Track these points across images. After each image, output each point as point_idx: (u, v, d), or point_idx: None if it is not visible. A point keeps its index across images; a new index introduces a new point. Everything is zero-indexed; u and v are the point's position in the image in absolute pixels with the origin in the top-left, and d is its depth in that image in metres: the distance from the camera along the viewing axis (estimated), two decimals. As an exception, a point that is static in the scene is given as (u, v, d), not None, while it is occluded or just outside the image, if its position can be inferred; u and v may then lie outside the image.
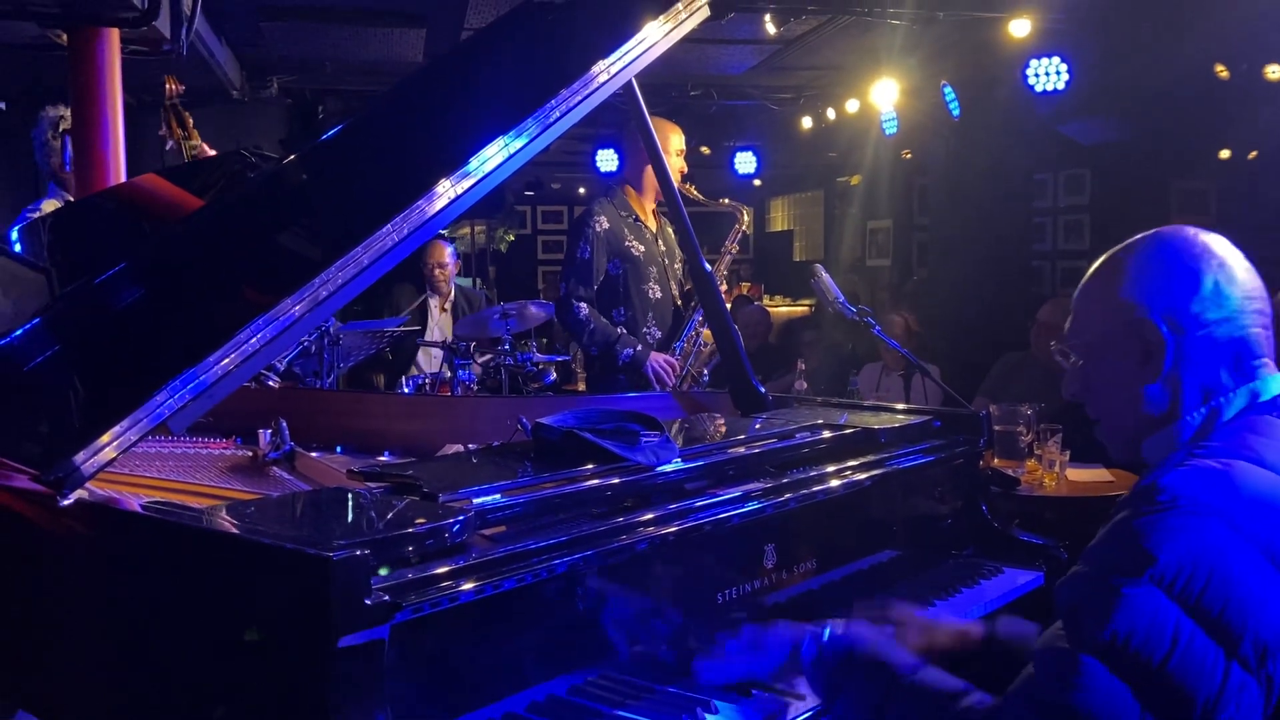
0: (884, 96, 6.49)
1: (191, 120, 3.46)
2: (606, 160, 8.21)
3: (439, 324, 5.30)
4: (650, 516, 1.51)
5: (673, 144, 3.42)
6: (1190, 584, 1.11)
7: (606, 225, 3.44)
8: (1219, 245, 1.32)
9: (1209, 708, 1.10)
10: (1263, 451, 1.20)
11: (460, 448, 2.16)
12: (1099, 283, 1.36)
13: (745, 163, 8.86)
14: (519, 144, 1.75)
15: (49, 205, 3.46)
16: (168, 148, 3.51)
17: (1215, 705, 1.10)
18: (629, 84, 2.09)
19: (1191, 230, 1.34)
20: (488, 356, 4.54)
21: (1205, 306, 1.27)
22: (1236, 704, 1.11)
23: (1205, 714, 1.10)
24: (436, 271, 5.27)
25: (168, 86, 3.47)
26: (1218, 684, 1.11)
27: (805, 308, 9.18)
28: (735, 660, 1.47)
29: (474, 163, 1.69)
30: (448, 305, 5.36)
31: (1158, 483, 1.18)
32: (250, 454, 2.07)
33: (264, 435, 2.06)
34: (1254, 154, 5.79)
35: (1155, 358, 1.29)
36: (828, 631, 1.42)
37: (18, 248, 2.48)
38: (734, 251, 3.74)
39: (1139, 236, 1.36)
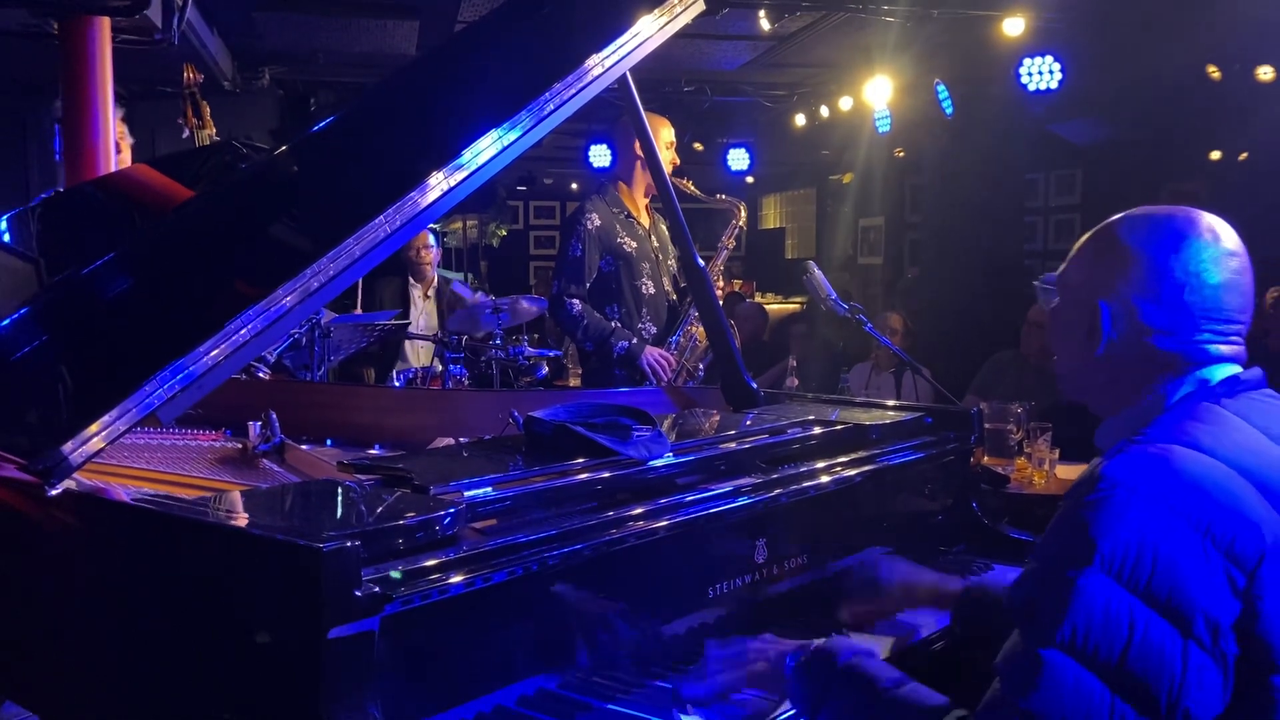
0: (877, 94, 6.49)
1: (209, 110, 3.46)
2: (599, 156, 8.20)
3: (424, 313, 5.23)
4: (641, 511, 1.51)
5: (663, 137, 3.41)
6: (1138, 568, 1.12)
7: (598, 222, 3.43)
8: (1213, 249, 1.28)
9: (1174, 690, 1.11)
10: (1200, 437, 1.21)
11: (451, 441, 2.16)
12: (1090, 245, 1.36)
13: (738, 159, 8.86)
14: (512, 137, 1.75)
15: None
16: (184, 136, 3.52)
17: (1180, 687, 1.11)
18: (624, 78, 2.08)
19: (1200, 226, 1.30)
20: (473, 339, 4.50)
21: (1158, 313, 1.27)
22: (1199, 683, 1.11)
23: (1171, 697, 1.11)
24: (422, 254, 5.12)
25: (186, 75, 3.48)
26: (1179, 666, 1.11)
27: (797, 305, 9.19)
28: (717, 678, 1.46)
29: (467, 155, 1.69)
30: (430, 292, 5.27)
31: (1098, 471, 1.19)
32: (240, 446, 2.06)
33: (254, 427, 2.05)
34: (1244, 155, 5.82)
35: (1095, 340, 1.31)
36: (812, 645, 1.42)
37: (6, 237, 2.47)
38: (730, 247, 3.74)
39: (1149, 212, 1.33)
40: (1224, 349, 1.29)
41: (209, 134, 3.44)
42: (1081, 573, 1.13)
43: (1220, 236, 1.30)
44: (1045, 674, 1.12)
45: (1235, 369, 1.30)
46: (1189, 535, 1.14)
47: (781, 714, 1.44)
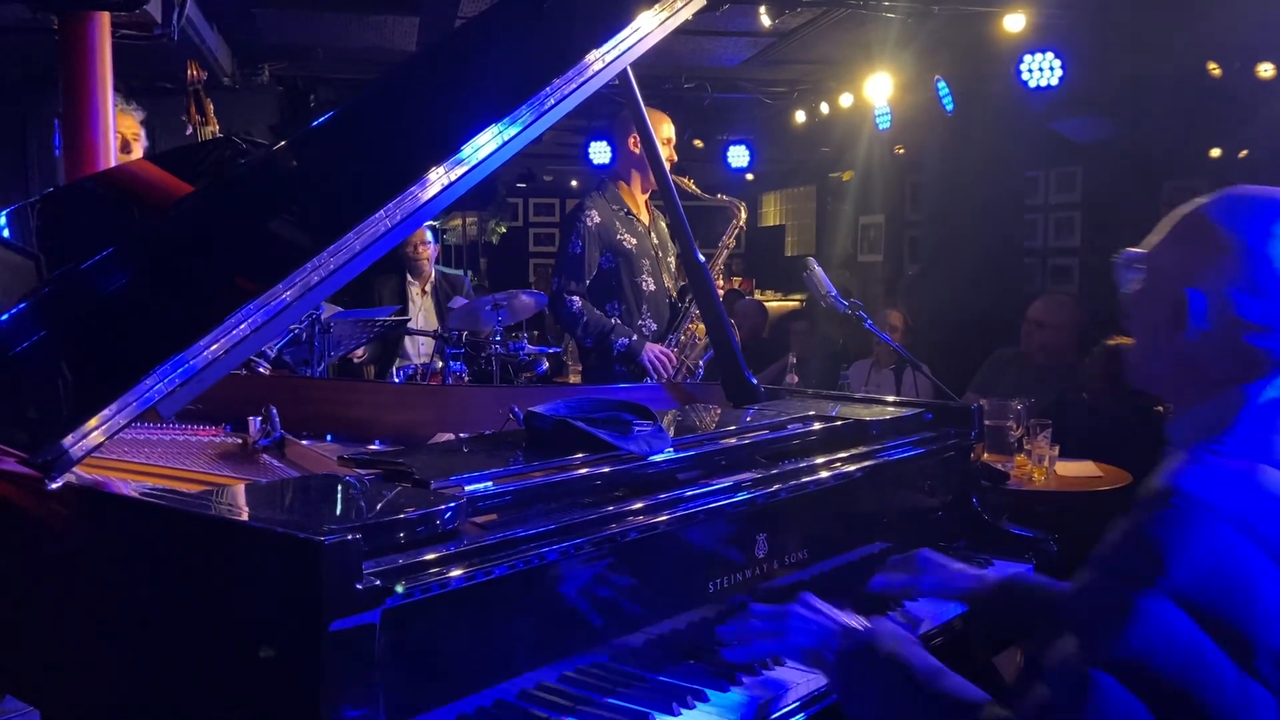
0: (878, 91, 6.48)
1: (212, 107, 3.46)
2: (599, 152, 8.20)
3: (421, 309, 5.22)
4: (642, 505, 1.51)
5: (662, 133, 3.41)
6: (1205, 595, 1.06)
7: (598, 219, 3.44)
8: None
9: None
10: None
11: (451, 437, 2.16)
12: (1180, 226, 1.26)
13: (738, 157, 8.85)
14: (512, 132, 1.74)
15: None
16: (188, 133, 3.52)
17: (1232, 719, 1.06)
18: (624, 73, 2.08)
19: None
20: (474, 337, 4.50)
21: (1255, 308, 1.18)
22: (1250, 717, 1.07)
23: None
24: (419, 249, 5.11)
25: (190, 72, 3.48)
26: (1233, 699, 1.06)
27: (797, 302, 9.19)
28: (759, 642, 1.45)
29: (467, 150, 1.68)
30: (428, 288, 5.27)
31: (1172, 484, 1.12)
32: (240, 441, 2.06)
33: (254, 423, 2.05)
34: (1245, 153, 5.81)
35: (1180, 327, 1.22)
36: (855, 626, 1.40)
37: (6, 233, 2.47)
38: (730, 246, 3.74)
39: (1247, 194, 1.23)
40: None
41: (213, 131, 3.44)
42: (1144, 594, 1.07)
43: None
44: (1093, 694, 1.07)
45: None
46: (1266, 564, 1.08)
47: (790, 703, 1.44)
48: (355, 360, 4.81)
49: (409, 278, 5.20)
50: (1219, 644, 1.07)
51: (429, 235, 5.22)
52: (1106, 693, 1.07)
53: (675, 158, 3.56)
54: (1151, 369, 1.30)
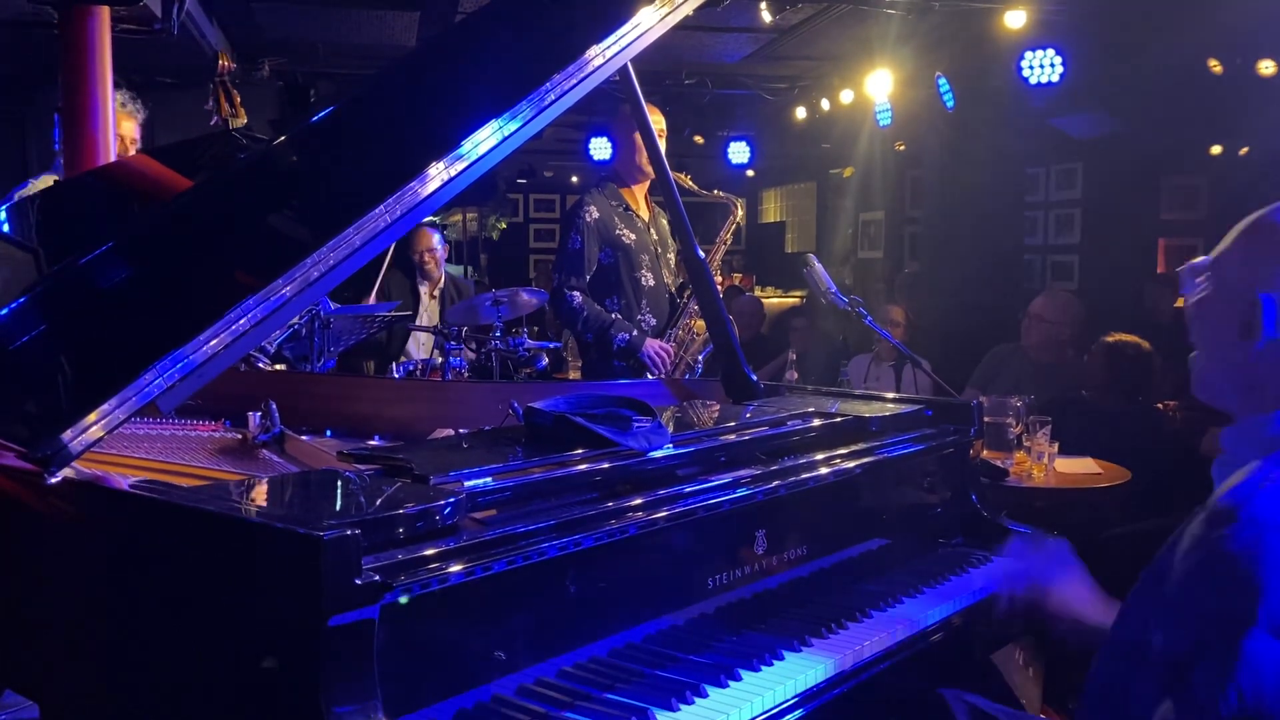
0: (878, 87, 6.48)
1: (239, 98, 3.47)
2: (599, 149, 8.18)
3: (427, 311, 5.29)
4: (641, 501, 1.51)
5: (654, 126, 3.41)
6: None
7: (597, 215, 3.44)
8: None
9: None
10: None
11: (451, 432, 2.16)
12: (1249, 233, 1.25)
13: (739, 153, 8.84)
14: (512, 127, 1.74)
15: (45, 182, 3.44)
16: (213, 123, 3.52)
17: None
18: (625, 69, 2.08)
19: None
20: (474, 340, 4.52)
21: None
22: None
23: None
24: (426, 256, 5.26)
25: (220, 63, 3.49)
26: None
27: (797, 299, 9.19)
28: None
29: (467, 145, 1.68)
30: (436, 292, 5.35)
31: (1247, 506, 1.07)
32: (239, 436, 2.06)
33: (253, 418, 2.05)
34: (1245, 149, 5.81)
35: (1253, 337, 1.20)
36: None
37: (6, 227, 2.46)
38: (728, 242, 3.74)
39: None
40: None
41: (242, 122, 3.46)
42: (1246, 634, 1.02)
43: None
44: None
45: None
46: None
47: (787, 699, 1.44)
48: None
49: (419, 279, 5.28)
50: None
51: (437, 241, 5.30)
52: None
53: (664, 149, 3.55)
54: (1217, 379, 1.28)
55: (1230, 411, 1.28)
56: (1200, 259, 1.31)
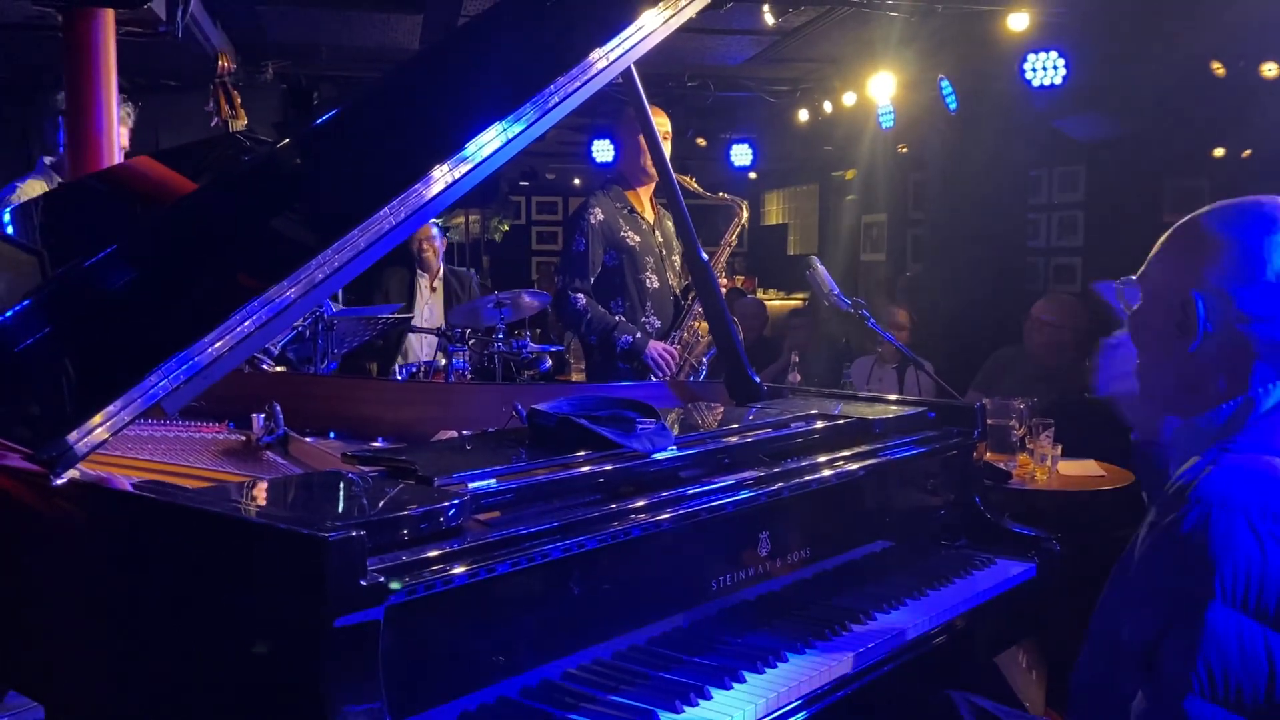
0: (881, 90, 6.48)
1: (240, 99, 3.46)
2: (602, 151, 8.19)
3: (429, 304, 5.26)
4: (644, 503, 1.51)
5: (659, 128, 3.41)
6: (1263, 594, 1.05)
7: (601, 217, 3.44)
8: None
9: None
10: None
11: (454, 434, 2.16)
12: (1174, 240, 1.31)
13: (741, 155, 8.85)
14: (516, 130, 1.75)
15: (32, 186, 3.45)
16: (213, 124, 3.52)
17: None
18: (628, 71, 2.08)
19: None
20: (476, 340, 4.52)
21: (1257, 299, 1.21)
22: None
23: None
24: (424, 245, 5.21)
25: (220, 64, 3.49)
26: None
27: (799, 301, 9.19)
28: None
29: (471, 148, 1.69)
30: (437, 284, 5.31)
31: (1196, 489, 1.11)
32: (244, 438, 2.07)
33: (257, 419, 2.05)
34: (1248, 152, 5.80)
35: (1189, 334, 1.24)
36: None
37: (10, 229, 2.47)
38: (733, 245, 3.74)
39: (1234, 201, 1.28)
40: None
41: (242, 123, 3.45)
42: (1207, 608, 1.05)
43: None
44: None
45: None
46: None
47: (792, 700, 1.44)
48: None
49: (418, 271, 5.25)
50: None
51: (435, 231, 5.28)
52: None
53: (670, 151, 3.55)
54: (1162, 382, 1.32)
55: (1177, 414, 1.32)
56: (1130, 276, 1.37)
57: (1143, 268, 1.35)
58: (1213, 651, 1.05)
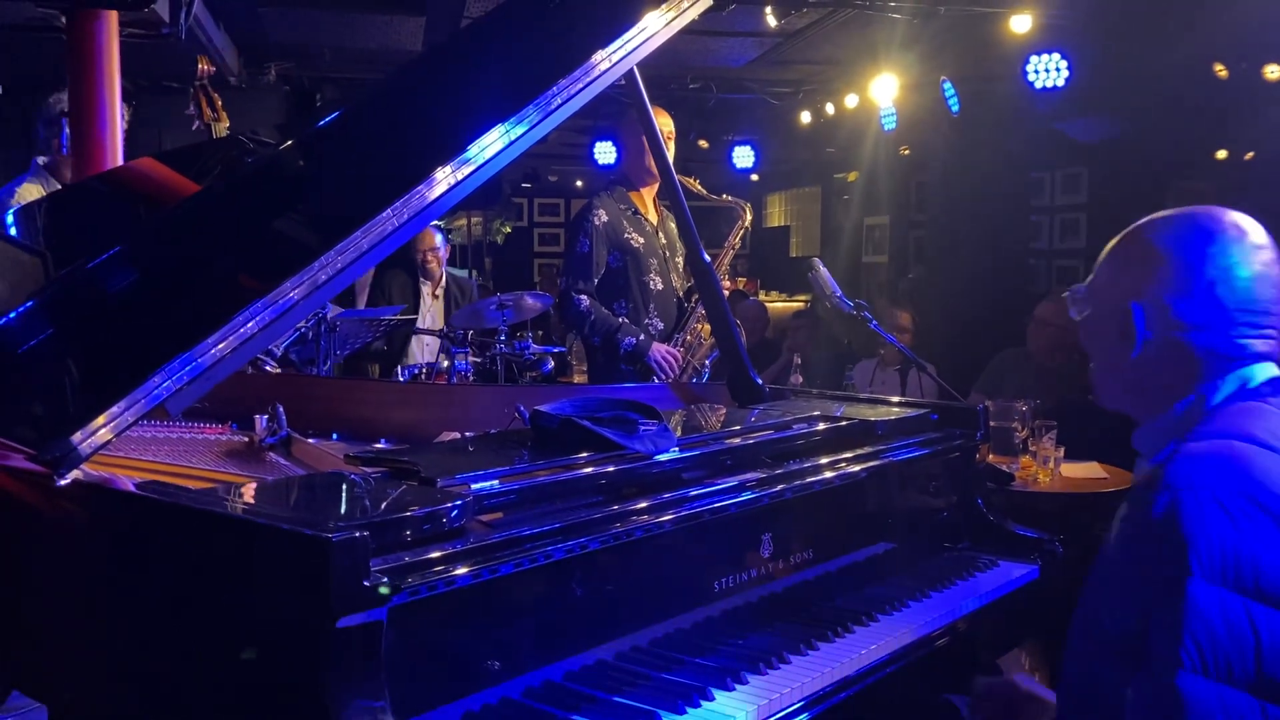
0: (883, 92, 6.48)
1: (221, 101, 3.45)
2: (604, 153, 8.19)
3: (431, 310, 5.29)
4: (647, 505, 1.51)
5: (662, 128, 3.41)
6: (1239, 568, 1.08)
7: (605, 218, 3.44)
8: (1242, 244, 1.28)
9: None
10: (1255, 431, 1.19)
11: (457, 435, 2.16)
12: (1116, 251, 1.38)
13: (743, 157, 8.85)
14: (518, 132, 1.75)
15: (28, 189, 3.45)
16: (194, 128, 3.51)
17: None
18: (631, 73, 2.08)
19: (1225, 222, 1.30)
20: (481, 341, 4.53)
21: (1193, 309, 1.27)
22: None
23: None
24: (429, 256, 5.25)
25: (200, 66, 3.47)
26: None
27: (801, 303, 9.18)
28: None
29: (473, 150, 1.69)
30: (439, 291, 5.34)
31: (1156, 480, 1.15)
32: (247, 439, 2.07)
33: (260, 421, 2.05)
34: (1251, 154, 5.80)
35: (1129, 342, 1.31)
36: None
37: (13, 231, 2.47)
38: (736, 247, 3.74)
39: (1173, 213, 1.34)
40: (1259, 345, 1.28)
41: (225, 126, 3.43)
42: (1187, 585, 1.08)
43: (1247, 232, 1.29)
44: (1187, 706, 1.06)
45: (1274, 369, 1.29)
46: (1271, 528, 1.10)
47: (794, 701, 1.44)
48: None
49: (421, 278, 5.28)
50: (1275, 608, 1.07)
51: (439, 240, 5.30)
52: (1199, 698, 1.06)
53: (673, 152, 3.55)
54: (1112, 387, 1.38)
55: (1131, 415, 1.38)
56: (1081, 285, 1.42)
57: (1090, 277, 1.41)
58: (1199, 626, 1.07)
